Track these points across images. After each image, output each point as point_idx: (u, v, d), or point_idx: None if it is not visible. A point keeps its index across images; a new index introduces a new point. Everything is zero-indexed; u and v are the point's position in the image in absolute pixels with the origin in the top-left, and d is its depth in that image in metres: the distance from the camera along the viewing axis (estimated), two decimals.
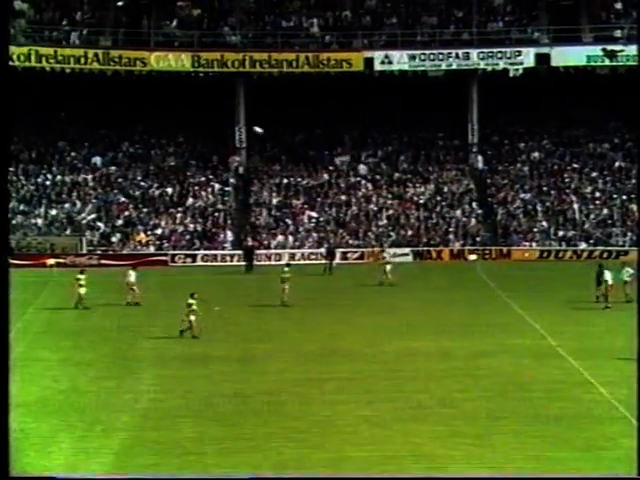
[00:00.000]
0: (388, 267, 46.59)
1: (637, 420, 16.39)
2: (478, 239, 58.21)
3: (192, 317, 32.87)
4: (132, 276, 40.23)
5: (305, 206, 60.22)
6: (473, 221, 59.50)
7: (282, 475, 19.25)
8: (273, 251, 56.18)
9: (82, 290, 38.97)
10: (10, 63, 9.28)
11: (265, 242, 57.23)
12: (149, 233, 57.74)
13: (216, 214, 59.42)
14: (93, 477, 19.00)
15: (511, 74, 63.82)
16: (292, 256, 54.57)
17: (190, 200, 60.22)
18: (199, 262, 54.72)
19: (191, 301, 33.01)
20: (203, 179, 62.12)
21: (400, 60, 61.11)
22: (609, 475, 17.98)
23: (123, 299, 40.37)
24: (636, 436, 12.64)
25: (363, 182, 62.03)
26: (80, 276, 39.45)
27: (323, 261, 51.98)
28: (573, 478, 18.59)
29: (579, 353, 30.62)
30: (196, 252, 55.86)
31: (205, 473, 19.67)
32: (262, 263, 53.51)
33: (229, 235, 57.77)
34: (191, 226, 58.37)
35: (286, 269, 41.31)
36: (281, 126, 63.95)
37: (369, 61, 61.00)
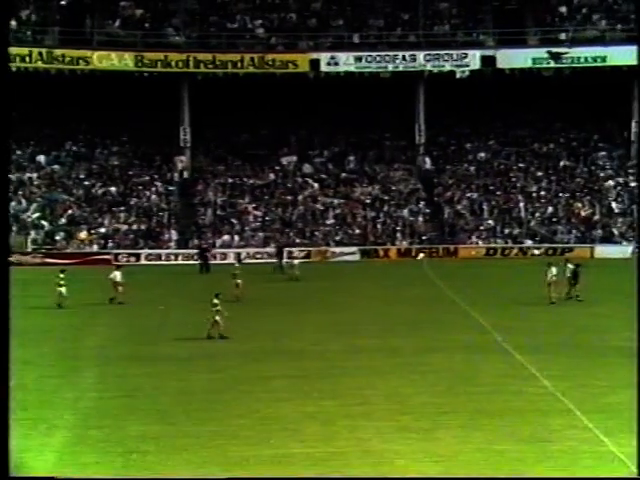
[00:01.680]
0: (296, 262, 48.59)
1: (637, 420, 16.35)
2: (425, 238, 58.52)
3: (217, 317, 32.72)
4: (118, 276, 40.53)
5: (251, 206, 60.11)
6: (420, 220, 59.91)
7: (282, 475, 19.02)
8: (219, 250, 56.20)
9: (63, 289, 39.19)
10: None
11: (210, 241, 57.32)
12: (92, 232, 57.43)
13: (160, 213, 59.31)
14: (93, 477, 18.86)
15: (457, 76, 64.47)
16: (238, 255, 54.61)
17: (134, 199, 60.00)
18: (143, 261, 54.54)
19: (216, 301, 32.89)
20: (147, 178, 61.98)
21: (346, 61, 61.43)
22: (609, 475, 17.87)
23: (100, 298, 40.28)
24: (636, 436, 12.60)
25: (309, 182, 62.10)
26: (61, 275, 39.61)
27: (272, 260, 51.92)
28: (573, 478, 18.53)
29: (524, 348, 30.68)
30: (140, 251, 55.68)
31: (205, 473, 19.36)
32: (214, 262, 53.35)
33: (174, 234, 57.77)
34: (135, 225, 58.15)
35: (237, 265, 41.28)
36: (226, 126, 64.01)
37: (315, 62, 61.31)
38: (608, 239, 58.30)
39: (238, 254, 55.00)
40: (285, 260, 51.74)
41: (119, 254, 55.05)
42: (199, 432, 22.39)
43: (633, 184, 61.77)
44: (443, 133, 65.82)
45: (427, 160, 63.92)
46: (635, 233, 57.36)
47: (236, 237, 58.14)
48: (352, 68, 61.99)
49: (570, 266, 41.62)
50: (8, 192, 9.16)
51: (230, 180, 62.33)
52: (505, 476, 18.36)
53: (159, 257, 55.48)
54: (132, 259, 54.71)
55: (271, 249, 54.95)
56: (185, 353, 31.07)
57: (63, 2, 62.39)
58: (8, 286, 8.78)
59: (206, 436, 22.07)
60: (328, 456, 20.62)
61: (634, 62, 59.96)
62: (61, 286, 39.17)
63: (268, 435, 22.16)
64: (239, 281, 40.53)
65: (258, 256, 55.43)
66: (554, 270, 40.29)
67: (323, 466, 19.86)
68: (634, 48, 60.37)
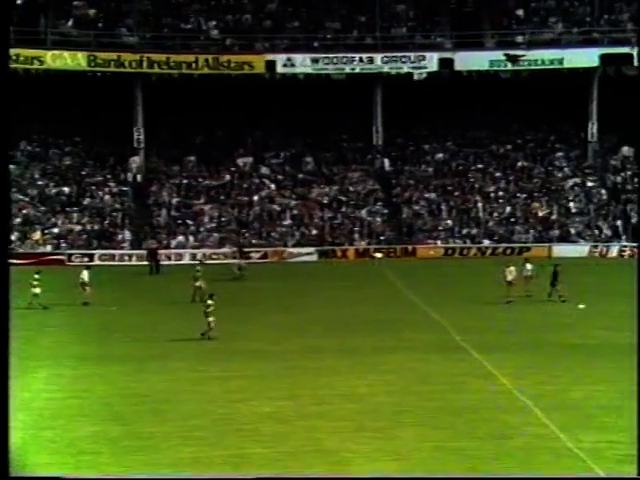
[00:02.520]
0: (243, 262, 49.08)
1: (637, 419, 16.22)
2: (383, 238, 58.55)
3: (210, 318, 32.40)
4: (86, 276, 40.26)
5: (206, 206, 59.96)
6: (378, 220, 59.90)
7: (282, 475, 18.73)
8: (173, 251, 56.08)
9: (37, 290, 39.02)
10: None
11: (165, 242, 57.12)
12: (46, 232, 56.96)
13: (114, 214, 59.03)
14: (93, 477, 18.70)
15: (415, 78, 64.79)
16: (193, 256, 54.57)
17: (87, 200, 59.66)
18: (97, 262, 54.10)
19: (209, 302, 32.59)
20: (101, 179, 61.67)
21: (303, 63, 61.46)
22: (609, 475, 17.78)
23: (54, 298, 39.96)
24: (636, 436, 12.48)
25: (266, 183, 61.97)
26: (36, 276, 39.45)
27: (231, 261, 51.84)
28: (573, 478, 18.40)
29: (483, 347, 30.68)
30: (93, 251, 55.38)
31: (205, 473, 19.12)
32: (162, 263, 53.15)
33: (127, 235, 57.55)
34: (89, 226, 57.80)
35: (199, 267, 40.92)
36: (181, 127, 63.75)
37: (271, 64, 61.27)
38: (565, 238, 58.60)
39: (195, 255, 54.74)
40: (234, 260, 51.45)
41: (72, 254, 54.61)
42: (152, 433, 22.10)
43: (590, 184, 62.16)
44: (401, 134, 65.85)
45: (385, 161, 63.94)
46: (628, 234, 57.45)
47: (191, 238, 57.93)
48: (309, 70, 62.03)
49: (528, 266, 41.66)
50: (8, 192, 8.98)
51: (185, 181, 62.12)
52: (504, 476, 18.12)
53: (113, 258, 55.19)
54: (86, 259, 54.22)
55: (228, 250, 54.52)
56: (139, 354, 30.78)
57: (18, 2, 61.74)
58: (8, 286, 8.78)
59: (159, 437, 21.79)
60: (284, 456, 20.39)
61: (590, 64, 60.82)
62: (35, 287, 38.93)
63: (223, 436, 21.91)
64: (199, 283, 39.95)
65: (214, 257, 55.06)
66: (513, 269, 40.28)
67: (278, 466, 19.60)
68: (591, 50, 61.18)
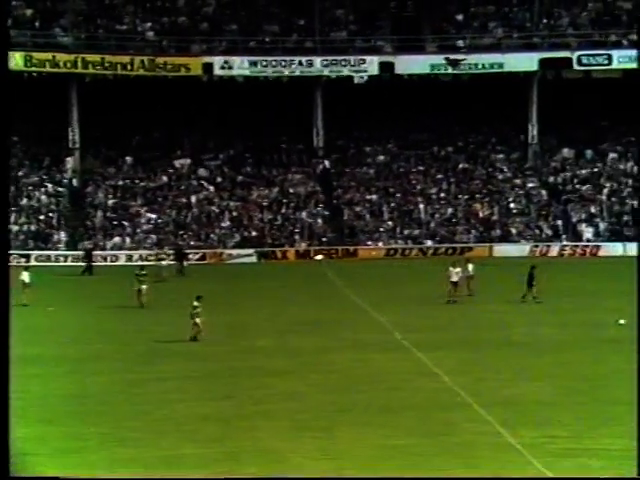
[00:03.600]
0: (164, 263, 49.17)
1: (637, 419, 16.14)
2: (324, 239, 58.50)
3: (197, 320, 31.97)
4: (26, 277, 39.87)
5: (143, 208, 59.72)
6: (319, 222, 59.82)
7: (282, 475, 18.50)
8: (109, 252, 55.90)
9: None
10: None
11: (101, 243, 56.96)
12: None
13: (50, 215, 58.52)
14: (93, 477, 18.43)
15: (356, 81, 64.92)
16: (129, 257, 54.72)
17: (24, 200, 58.98)
18: (33, 262, 53.43)
19: (196, 304, 32.14)
20: (36, 179, 60.98)
21: (241, 66, 61.57)
22: (609, 475, 17.71)
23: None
24: (636, 436, 12.38)
25: (204, 184, 61.77)
26: None
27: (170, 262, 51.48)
28: (573, 478, 18.28)
29: (424, 345, 30.67)
30: (30, 252, 54.80)
31: (205, 473, 18.77)
32: (98, 264, 53.13)
33: (63, 236, 57.24)
34: (25, 226, 57.23)
35: (143, 272, 40.42)
36: (117, 128, 63.31)
37: (208, 66, 61.23)
38: (506, 238, 59.04)
39: (131, 256, 54.55)
40: (159, 263, 50.84)
41: (9, 255, 53.89)
42: (89, 434, 21.81)
43: (530, 185, 62.69)
44: (342, 137, 65.90)
45: (326, 163, 63.91)
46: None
47: (127, 239, 57.72)
48: (247, 72, 62.11)
49: (470, 265, 41.72)
50: (8, 193, 8.63)
51: (121, 182, 61.85)
52: (503, 476, 17.98)
53: (49, 258, 54.71)
54: (23, 260, 53.54)
55: (168, 251, 54.21)
56: (75, 355, 30.41)
57: None
58: (8, 286, 8.63)
59: (96, 438, 21.49)
60: (222, 456, 20.14)
61: (530, 68, 61.60)
62: None
63: (160, 437, 21.62)
64: (144, 287, 39.35)
65: (150, 258, 54.53)
66: (458, 270, 40.23)
67: (216, 466, 19.36)
68: (530, 55, 61.85)
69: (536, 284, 39.37)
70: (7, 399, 8.76)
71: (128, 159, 63.15)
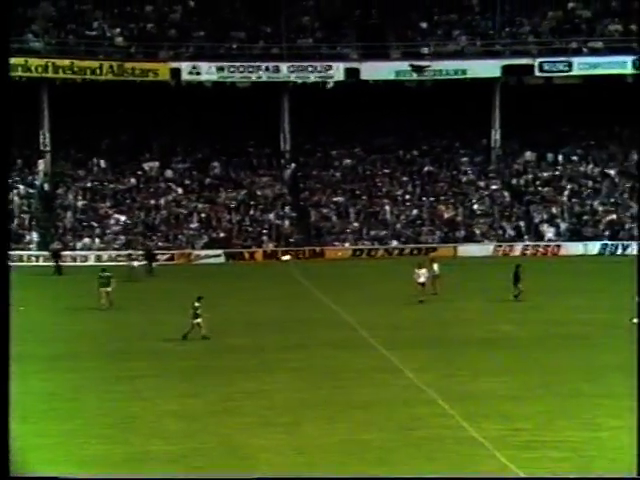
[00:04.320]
0: (135, 264, 49.49)
1: (637, 419, 16.50)
2: (292, 240, 58.96)
3: (198, 320, 32.11)
4: None
5: (112, 210, 60.07)
6: (287, 223, 60.26)
7: (283, 475, 18.62)
8: (79, 253, 56.26)
9: None
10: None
11: (71, 244, 57.14)
12: None
13: (22, 215, 58.69)
14: (93, 477, 18.52)
15: (322, 86, 65.20)
16: (98, 258, 55.05)
17: None
18: None
19: (197, 304, 32.31)
20: (9, 181, 60.81)
21: (208, 71, 62.08)
22: (609, 475, 17.98)
23: None
24: (636, 436, 12.77)
25: (172, 187, 62.19)
26: None
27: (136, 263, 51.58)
28: (573, 478, 18.60)
29: (390, 343, 31.03)
30: None
31: (205, 473, 18.88)
32: (68, 264, 53.28)
33: (35, 236, 57.49)
34: None
35: (106, 273, 40.06)
36: (87, 131, 63.55)
37: (176, 71, 61.74)
38: (470, 238, 59.72)
39: (100, 257, 55.02)
40: (131, 263, 50.89)
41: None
42: (60, 431, 22.04)
43: (494, 187, 63.45)
44: (309, 141, 66.40)
45: (293, 166, 64.42)
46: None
47: (97, 240, 58.04)
48: (214, 77, 62.62)
49: (436, 265, 42.25)
50: (8, 193, 8.87)
51: (90, 184, 62.13)
52: (505, 476, 18.22)
53: (20, 258, 54.82)
54: None
55: (137, 252, 54.58)
56: (47, 353, 30.53)
57: None
58: (8, 286, 8.71)
59: (66, 435, 21.72)
60: (190, 452, 20.35)
61: (493, 75, 62.69)
62: None
63: (129, 434, 21.87)
64: (110, 289, 39.23)
65: (120, 259, 54.91)
66: (424, 271, 40.56)
67: (184, 463, 19.60)
68: (493, 62, 62.84)
69: (521, 283, 39.68)
70: (7, 399, 8.81)
71: (98, 162, 63.49)
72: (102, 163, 63.48)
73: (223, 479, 18.22)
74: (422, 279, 40.23)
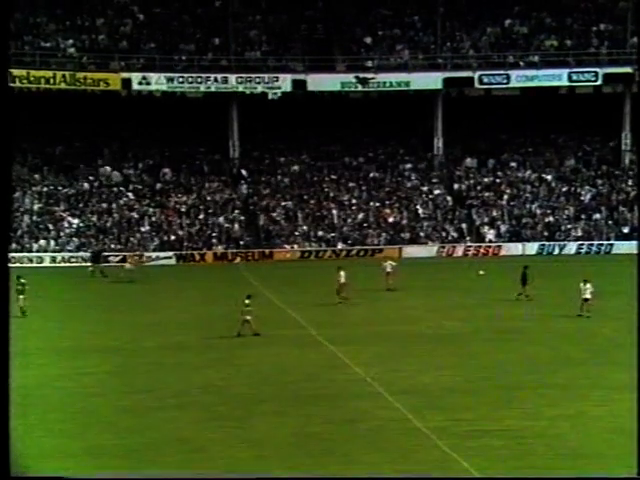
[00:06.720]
0: (127, 266, 50.28)
1: (637, 418, 17.03)
2: (242, 243, 59.58)
3: (248, 317, 32.65)
4: None
5: (66, 213, 60.72)
6: (236, 227, 60.85)
7: (283, 475, 18.91)
8: (35, 254, 57.05)
9: None
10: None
11: (27, 246, 57.93)
12: None
13: None
14: (93, 477, 18.48)
15: (270, 97, 66.02)
16: (53, 259, 56.18)
17: None
18: None
19: (247, 302, 33.16)
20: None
21: (158, 81, 62.88)
22: (609, 475, 18.26)
23: None
24: (636, 436, 13.38)
25: (124, 191, 62.85)
26: None
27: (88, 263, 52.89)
28: (573, 478, 18.82)
29: (337, 340, 31.59)
30: None
31: (205, 473, 19.07)
32: (24, 265, 53.21)
33: None
34: None
35: (22, 280, 38.01)
36: (42, 138, 64.42)
37: (126, 81, 62.53)
38: (415, 240, 60.82)
39: (54, 258, 55.48)
40: (125, 265, 51.69)
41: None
42: (15, 426, 21.77)
43: (437, 192, 64.72)
44: (258, 148, 67.18)
45: (242, 172, 65.21)
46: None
47: (52, 242, 58.80)
48: (164, 87, 63.43)
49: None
50: (9, 193, 9.14)
51: (45, 189, 63.04)
52: (505, 476, 18.50)
53: None
54: None
55: (87, 254, 55.56)
56: None
57: None
58: (8, 286, 8.75)
59: (19, 430, 21.60)
60: (142, 447, 20.70)
61: (435, 87, 64.28)
62: None
63: (82, 428, 22.15)
64: (22, 296, 37.70)
65: (73, 260, 56.22)
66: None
67: (136, 457, 19.94)
68: (435, 74, 64.30)
69: (528, 284, 39.85)
70: (7, 399, 8.81)
71: (52, 167, 64.44)
72: (56, 168, 64.38)
73: (223, 479, 18.53)
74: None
